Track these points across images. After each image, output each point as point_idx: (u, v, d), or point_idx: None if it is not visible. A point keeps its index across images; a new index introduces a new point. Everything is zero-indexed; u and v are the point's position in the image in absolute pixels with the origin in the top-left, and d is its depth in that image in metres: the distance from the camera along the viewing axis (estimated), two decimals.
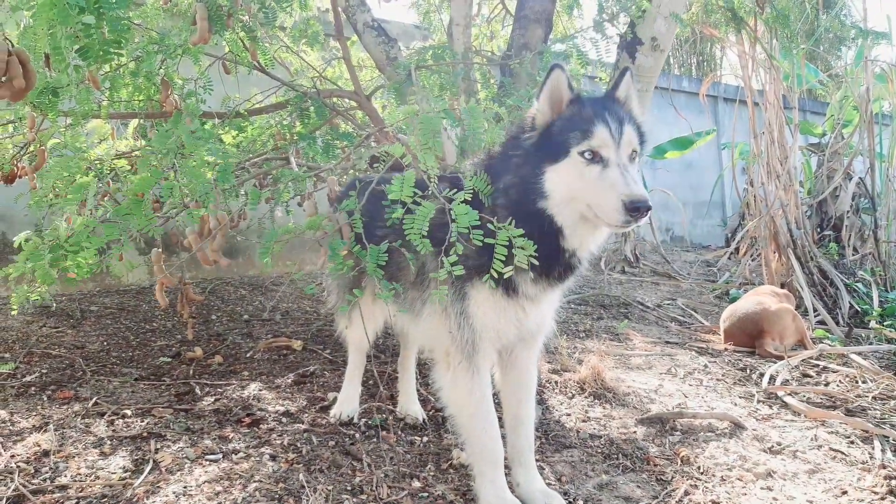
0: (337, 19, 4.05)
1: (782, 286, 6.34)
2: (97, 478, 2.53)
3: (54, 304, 5.20)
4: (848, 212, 7.85)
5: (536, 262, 2.28)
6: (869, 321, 5.89)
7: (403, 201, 2.37)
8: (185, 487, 2.48)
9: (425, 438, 3.15)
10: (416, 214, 2.32)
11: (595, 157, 2.21)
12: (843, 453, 3.18)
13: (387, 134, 2.57)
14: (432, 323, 2.57)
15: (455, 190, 2.35)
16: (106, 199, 3.72)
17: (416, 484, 2.67)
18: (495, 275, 2.27)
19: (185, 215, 2.67)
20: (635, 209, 2.11)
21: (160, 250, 2.98)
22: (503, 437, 2.58)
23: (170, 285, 3.04)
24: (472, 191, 2.35)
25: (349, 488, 2.58)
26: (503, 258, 2.25)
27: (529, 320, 2.49)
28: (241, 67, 3.84)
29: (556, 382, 3.94)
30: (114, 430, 2.99)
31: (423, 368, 3.90)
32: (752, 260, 7.74)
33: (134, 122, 4.09)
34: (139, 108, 3.84)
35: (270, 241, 2.46)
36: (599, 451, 3.13)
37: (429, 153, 2.40)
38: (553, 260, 2.36)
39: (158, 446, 2.83)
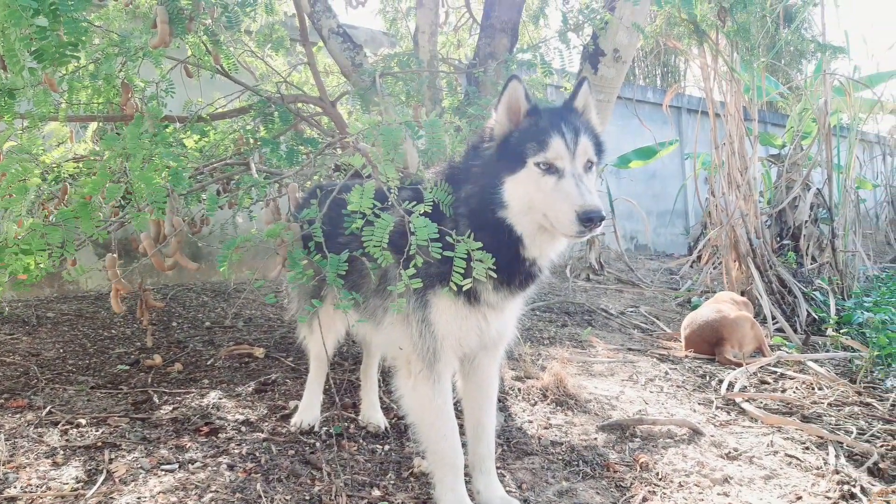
0: (302, 25, 4.03)
1: (742, 294, 6.44)
2: (48, 489, 2.47)
3: (7, 310, 5.08)
4: (806, 222, 7.99)
5: (497, 272, 2.30)
6: (826, 329, 6.01)
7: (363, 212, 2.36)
8: (138, 498, 2.43)
9: (387, 447, 3.13)
10: (376, 226, 2.32)
11: (550, 168, 2.24)
12: (798, 459, 3.24)
13: (349, 142, 2.56)
14: (394, 331, 2.57)
15: (415, 202, 2.36)
16: (62, 205, 3.65)
17: (376, 493, 2.65)
18: (454, 287, 2.28)
19: (138, 220, 2.61)
20: (588, 220, 2.14)
21: (114, 255, 2.93)
22: (464, 444, 2.59)
23: (125, 292, 2.98)
24: (432, 202, 2.36)
25: (307, 498, 2.55)
26: (462, 270, 2.26)
27: (491, 328, 2.50)
28: (204, 71, 3.80)
29: (519, 389, 3.96)
30: (67, 440, 2.93)
31: (387, 377, 3.89)
32: (714, 268, 7.86)
33: (93, 126, 4.02)
34: (99, 111, 3.77)
35: (229, 250, 2.43)
36: (560, 457, 3.15)
37: (389, 165, 2.40)
38: (514, 269, 2.38)
39: (113, 456, 2.77)
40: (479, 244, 2.25)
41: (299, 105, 4.36)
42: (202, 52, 3.58)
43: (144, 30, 3.12)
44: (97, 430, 3.05)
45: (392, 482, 2.77)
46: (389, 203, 2.41)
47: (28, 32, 2.05)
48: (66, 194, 3.67)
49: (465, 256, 2.23)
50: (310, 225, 2.55)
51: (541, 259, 2.41)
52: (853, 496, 2.83)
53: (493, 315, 2.47)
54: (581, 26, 4.56)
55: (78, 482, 2.53)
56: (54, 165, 3.73)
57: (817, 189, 8.11)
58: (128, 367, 4.08)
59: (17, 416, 3.19)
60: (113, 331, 4.91)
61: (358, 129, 2.46)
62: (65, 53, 2.02)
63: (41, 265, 2.46)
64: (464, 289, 2.28)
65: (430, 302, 2.41)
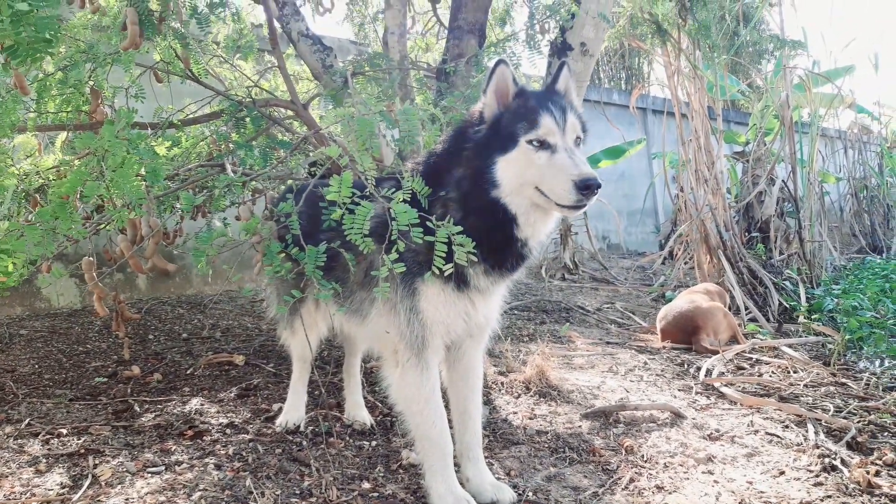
0: (271, 27, 4.03)
1: None
2: (33, 495, 2.43)
3: None
4: (773, 215, 8.16)
5: (490, 254, 2.35)
6: (798, 317, 6.12)
7: (343, 203, 2.37)
8: (126, 500, 2.40)
9: (374, 442, 3.13)
10: (356, 214, 2.33)
11: (543, 145, 2.29)
12: (778, 437, 3.30)
13: (323, 137, 2.57)
14: (381, 322, 2.57)
15: (396, 190, 2.37)
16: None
17: (366, 485, 2.65)
18: (437, 271, 2.29)
19: (118, 218, 2.59)
20: (586, 187, 2.19)
21: (92, 259, 2.89)
22: (451, 434, 2.59)
23: (103, 296, 2.94)
24: (411, 191, 2.37)
25: (298, 492, 2.54)
26: (444, 254, 2.27)
27: (479, 314, 2.52)
28: (174, 77, 3.78)
29: (502, 383, 3.98)
30: (49, 449, 2.88)
31: (370, 376, 3.89)
32: (686, 263, 7.97)
33: (62, 136, 3.98)
34: (68, 120, 3.73)
35: (205, 244, 2.41)
36: (546, 445, 3.17)
37: (365, 154, 2.41)
38: (507, 250, 2.41)
39: (97, 462, 2.73)
40: (459, 228, 2.27)
41: (271, 110, 4.35)
42: (171, 56, 3.56)
43: (114, 32, 3.11)
44: (79, 439, 3.00)
45: (382, 474, 2.76)
46: (367, 192, 2.42)
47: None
48: (36, 206, 3.63)
49: (447, 241, 2.24)
50: (286, 218, 2.54)
51: (532, 239, 2.44)
52: (834, 468, 2.88)
53: (480, 300, 2.49)
54: (547, 26, 4.63)
55: (63, 487, 2.49)
56: (25, 177, 3.69)
57: (783, 182, 8.28)
58: (105, 379, 4.02)
59: None
60: (88, 346, 4.83)
61: (331, 121, 2.46)
62: (38, 49, 2.00)
63: (20, 269, 2.42)
64: (446, 273, 2.29)
65: (418, 290, 2.42)
